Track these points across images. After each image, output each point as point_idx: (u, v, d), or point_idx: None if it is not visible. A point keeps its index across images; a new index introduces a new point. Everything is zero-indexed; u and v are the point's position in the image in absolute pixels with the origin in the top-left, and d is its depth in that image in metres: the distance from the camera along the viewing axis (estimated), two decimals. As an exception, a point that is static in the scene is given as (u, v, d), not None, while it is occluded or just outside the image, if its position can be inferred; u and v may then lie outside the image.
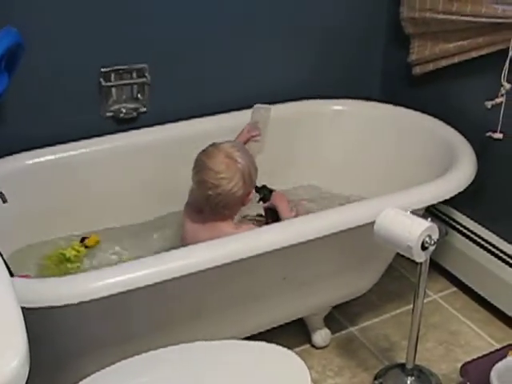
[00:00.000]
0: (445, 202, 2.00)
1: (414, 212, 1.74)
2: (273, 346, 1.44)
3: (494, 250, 2.21)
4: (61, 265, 2.00)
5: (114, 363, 1.36)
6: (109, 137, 2.13)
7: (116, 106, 2.17)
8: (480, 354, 1.97)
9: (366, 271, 2.04)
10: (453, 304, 2.33)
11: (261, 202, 2.07)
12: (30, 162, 2.01)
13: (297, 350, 2.07)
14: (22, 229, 1.99)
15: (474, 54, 2.14)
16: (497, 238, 2.21)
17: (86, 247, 2.08)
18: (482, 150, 2.14)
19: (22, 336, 0.87)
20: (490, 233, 2.23)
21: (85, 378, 1.32)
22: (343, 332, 2.20)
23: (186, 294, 1.65)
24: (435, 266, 2.39)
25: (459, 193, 1.94)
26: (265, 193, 2.08)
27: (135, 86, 2.17)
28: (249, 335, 1.87)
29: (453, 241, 2.34)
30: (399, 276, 2.43)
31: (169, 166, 2.19)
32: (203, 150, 1.86)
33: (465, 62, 2.18)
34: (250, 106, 2.29)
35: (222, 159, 1.81)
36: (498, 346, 2.09)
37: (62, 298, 1.43)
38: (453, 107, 2.30)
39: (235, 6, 2.24)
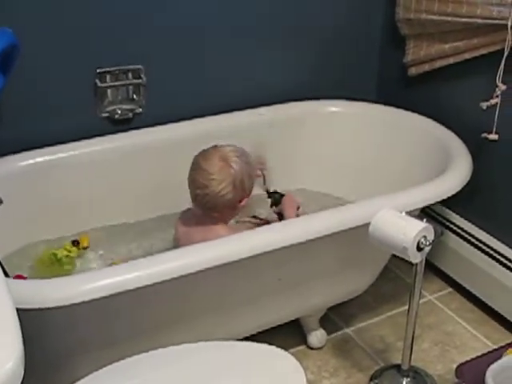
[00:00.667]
0: (440, 202, 2.01)
1: (409, 213, 1.74)
2: (268, 346, 1.44)
3: (489, 250, 2.21)
4: (52, 266, 2.00)
5: (109, 364, 1.36)
6: (104, 138, 2.13)
7: (111, 107, 2.16)
8: (475, 355, 1.97)
9: (361, 272, 2.05)
10: (448, 305, 2.33)
11: (273, 207, 2.09)
12: (26, 162, 2.01)
13: (292, 350, 2.07)
14: (17, 230, 1.99)
15: (470, 55, 2.14)
16: (492, 238, 2.21)
17: (78, 244, 2.08)
18: (478, 150, 2.15)
19: (17, 337, 0.87)
20: (485, 233, 2.24)
21: (80, 378, 1.32)
22: (339, 333, 2.20)
23: (180, 296, 1.65)
24: (430, 267, 2.40)
25: (455, 194, 1.95)
26: (275, 197, 2.10)
27: (131, 87, 2.17)
28: (244, 336, 1.87)
29: (448, 241, 2.35)
30: (395, 277, 2.44)
31: (165, 167, 2.19)
32: (202, 151, 1.86)
33: (460, 63, 2.19)
34: (247, 107, 2.31)
35: (217, 161, 1.81)
36: (493, 347, 2.09)
37: (56, 300, 1.42)
38: (448, 108, 2.30)
39: (232, 7, 2.24)
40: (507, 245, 2.17)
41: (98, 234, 2.14)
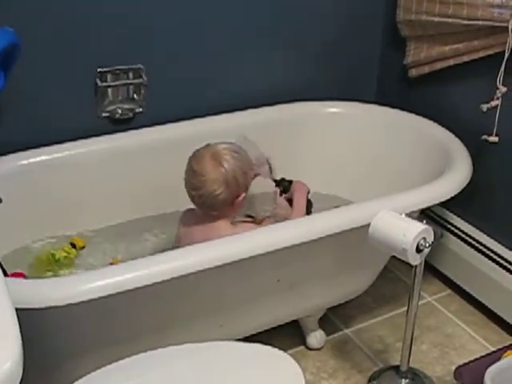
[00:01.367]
0: (440, 204, 2.00)
1: (409, 214, 1.74)
2: (267, 347, 1.44)
3: (489, 252, 2.21)
4: (49, 266, 2.00)
5: (108, 364, 1.36)
6: (105, 137, 2.13)
7: (112, 107, 2.17)
8: (474, 357, 1.97)
9: (360, 273, 2.05)
10: (447, 306, 2.33)
11: (283, 195, 2.10)
12: (26, 161, 2.01)
13: (291, 351, 2.07)
14: (16, 229, 1.99)
15: (470, 57, 2.14)
16: (492, 240, 2.21)
17: (76, 246, 2.08)
18: (478, 152, 2.15)
19: (16, 337, 0.87)
20: (485, 235, 2.24)
21: (79, 378, 1.31)
22: (338, 334, 2.20)
23: (179, 296, 1.65)
24: (430, 269, 2.40)
25: (454, 195, 1.95)
26: (284, 185, 2.12)
27: (131, 87, 2.17)
28: (243, 337, 1.87)
29: (448, 243, 2.35)
30: (394, 278, 2.44)
31: (165, 166, 2.19)
32: (195, 151, 1.86)
33: (460, 65, 2.19)
34: (247, 108, 2.31)
35: (207, 161, 1.81)
36: (492, 349, 2.09)
37: (55, 300, 1.42)
38: (448, 110, 2.30)
39: (232, 7, 2.24)
40: (507, 247, 2.17)
41: (98, 233, 2.14)
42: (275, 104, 2.38)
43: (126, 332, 1.64)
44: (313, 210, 2.10)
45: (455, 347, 2.16)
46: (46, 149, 2.04)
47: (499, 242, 2.19)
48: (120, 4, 2.05)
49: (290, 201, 2.09)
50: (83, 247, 2.10)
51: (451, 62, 2.21)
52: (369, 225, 1.70)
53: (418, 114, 2.33)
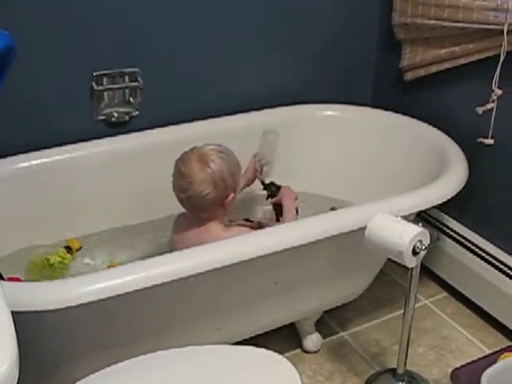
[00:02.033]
0: (436, 207, 2.01)
1: (405, 217, 1.74)
2: (263, 350, 1.44)
3: (484, 255, 2.21)
4: (43, 269, 2.00)
5: (105, 367, 1.35)
6: (100, 140, 2.13)
7: (108, 110, 2.17)
8: (470, 360, 1.97)
9: (357, 276, 2.05)
10: (444, 309, 2.33)
11: (269, 199, 2.09)
12: (22, 165, 2.01)
13: (288, 354, 2.07)
14: (13, 232, 1.98)
15: (466, 60, 2.14)
16: (488, 243, 2.21)
17: (71, 250, 2.08)
18: (474, 155, 2.15)
19: (12, 340, 0.87)
20: (480, 238, 2.24)
21: (76, 381, 1.31)
22: (334, 337, 2.20)
23: (176, 299, 1.65)
24: (426, 271, 2.40)
25: (450, 198, 1.95)
26: (272, 189, 2.10)
27: (127, 90, 2.17)
28: (240, 340, 1.87)
29: (444, 246, 2.35)
30: (390, 281, 2.44)
31: (161, 169, 2.17)
32: (182, 153, 1.87)
33: (456, 68, 2.19)
34: (243, 111, 2.31)
35: (194, 163, 1.81)
36: (488, 352, 2.09)
37: (52, 303, 1.42)
38: (444, 113, 2.31)
39: (230, 9, 2.24)
40: (503, 249, 2.17)
41: (95, 236, 2.14)
42: (272, 106, 2.38)
43: (123, 335, 1.64)
44: (298, 217, 2.08)
45: (452, 350, 2.16)
46: (42, 152, 2.04)
47: (495, 245, 2.19)
48: (115, 6, 2.05)
49: (275, 205, 2.08)
50: (79, 248, 2.09)
51: (447, 65, 2.22)
52: (365, 227, 1.70)
53: (413, 116, 2.33)
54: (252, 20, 2.30)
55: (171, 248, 1.92)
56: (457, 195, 1.96)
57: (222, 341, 1.65)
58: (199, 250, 1.63)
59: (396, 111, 2.38)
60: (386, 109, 2.40)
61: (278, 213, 2.06)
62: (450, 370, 1.92)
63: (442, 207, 2.10)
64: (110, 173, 2.14)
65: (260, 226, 2.06)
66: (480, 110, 2.05)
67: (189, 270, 1.55)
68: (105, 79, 2.12)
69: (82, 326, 1.58)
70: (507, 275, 2.14)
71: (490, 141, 2.08)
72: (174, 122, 2.23)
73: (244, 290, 1.77)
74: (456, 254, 2.31)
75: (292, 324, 2.07)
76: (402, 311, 1.88)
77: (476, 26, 2.03)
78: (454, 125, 2.24)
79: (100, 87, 2.11)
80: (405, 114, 2.35)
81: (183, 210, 1.91)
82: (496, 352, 1.94)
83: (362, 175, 2.37)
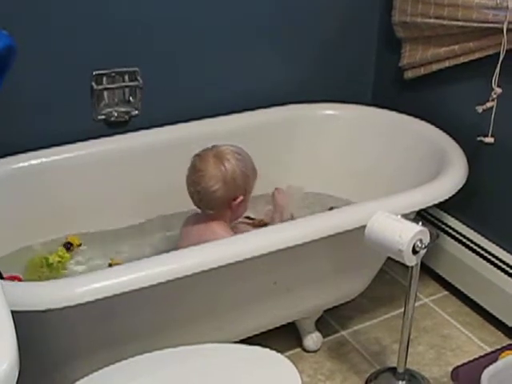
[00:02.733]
0: (436, 205, 2.01)
1: (404, 216, 1.74)
2: (264, 349, 1.44)
3: (485, 253, 2.21)
4: (41, 269, 2.00)
5: (104, 367, 1.36)
6: (100, 140, 2.13)
7: (108, 110, 2.16)
8: (471, 358, 1.97)
9: (357, 275, 2.05)
10: (444, 308, 2.33)
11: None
12: (21, 165, 2.01)
13: (288, 353, 2.07)
14: (12, 232, 1.98)
15: (465, 59, 2.14)
16: (488, 241, 2.21)
17: (72, 246, 2.08)
18: (473, 154, 2.15)
19: (12, 339, 0.87)
20: (481, 237, 2.24)
21: (75, 381, 1.31)
22: (334, 336, 2.20)
23: (175, 299, 1.65)
24: (426, 270, 2.40)
25: (450, 197, 1.95)
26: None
27: (127, 90, 2.17)
28: (240, 339, 1.87)
29: (444, 244, 2.35)
30: (390, 280, 2.44)
31: (161, 169, 2.19)
32: (200, 150, 1.89)
33: (456, 67, 2.19)
34: (244, 110, 2.31)
35: (209, 159, 1.84)
36: (488, 350, 2.09)
37: (52, 302, 1.42)
38: (444, 111, 2.31)
39: (230, 9, 2.24)
40: (503, 248, 2.17)
41: (94, 236, 2.14)
42: (273, 105, 2.38)
43: (122, 334, 1.64)
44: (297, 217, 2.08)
45: (452, 348, 2.16)
46: (42, 152, 2.03)
47: (495, 243, 2.19)
48: (116, 6, 2.05)
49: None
50: (80, 245, 2.09)
51: (446, 64, 2.22)
52: (365, 226, 1.70)
53: (413, 115, 2.33)
54: (252, 20, 2.30)
55: (177, 244, 1.93)
56: (457, 194, 1.96)
57: (222, 340, 1.65)
58: (199, 250, 1.63)
59: (396, 110, 2.37)
60: (386, 107, 2.40)
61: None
62: (450, 369, 1.92)
63: (442, 206, 2.10)
64: (110, 172, 2.13)
65: (262, 223, 2.07)
66: (480, 108, 2.05)
67: (188, 270, 1.55)
68: (104, 79, 2.12)
69: (81, 326, 1.58)
70: (507, 274, 2.14)
71: (489, 139, 2.08)
72: (173, 121, 2.23)
73: (244, 289, 1.77)
74: (456, 252, 2.31)
75: (292, 323, 2.07)
76: (402, 310, 1.88)
77: (476, 24, 2.02)
78: (453, 123, 2.24)
79: (100, 87, 2.11)
80: (405, 112, 2.35)
81: (185, 208, 1.92)
82: (496, 350, 1.93)
83: (362, 174, 2.37)
